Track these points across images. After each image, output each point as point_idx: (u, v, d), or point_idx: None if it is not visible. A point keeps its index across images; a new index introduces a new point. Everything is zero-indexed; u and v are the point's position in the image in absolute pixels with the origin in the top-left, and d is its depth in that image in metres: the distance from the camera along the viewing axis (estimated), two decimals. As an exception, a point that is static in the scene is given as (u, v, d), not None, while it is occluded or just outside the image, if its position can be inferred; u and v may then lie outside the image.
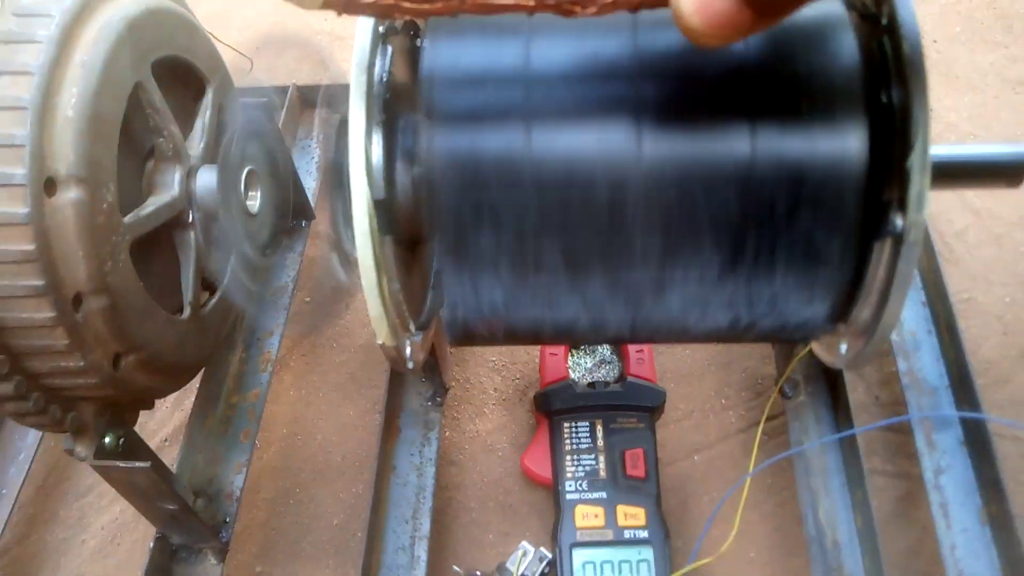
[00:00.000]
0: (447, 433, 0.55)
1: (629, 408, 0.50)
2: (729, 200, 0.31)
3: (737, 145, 0.31)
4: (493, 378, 0.57)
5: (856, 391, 0.55)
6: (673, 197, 0.31)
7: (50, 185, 0.32)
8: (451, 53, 0.33)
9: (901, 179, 0.30)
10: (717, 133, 0.31)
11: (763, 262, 0.33)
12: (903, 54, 0.30)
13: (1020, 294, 0.58)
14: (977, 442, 0.48)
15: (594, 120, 0.31)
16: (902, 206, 0.30)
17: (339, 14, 0.26)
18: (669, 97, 0.31)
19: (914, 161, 0.29)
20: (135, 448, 0.41)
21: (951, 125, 0.68)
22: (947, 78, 0.71)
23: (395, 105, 0.34)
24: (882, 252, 0.32)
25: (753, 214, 0.31)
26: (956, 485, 0.47)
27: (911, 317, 0.54)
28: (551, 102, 0.31)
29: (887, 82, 0.31)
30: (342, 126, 0.34)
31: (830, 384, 0.50)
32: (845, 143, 0.31)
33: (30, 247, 0.31)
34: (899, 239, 0.30)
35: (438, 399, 0.52)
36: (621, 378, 0.51)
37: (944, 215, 0.62)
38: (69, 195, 0.32)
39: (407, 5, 0.25)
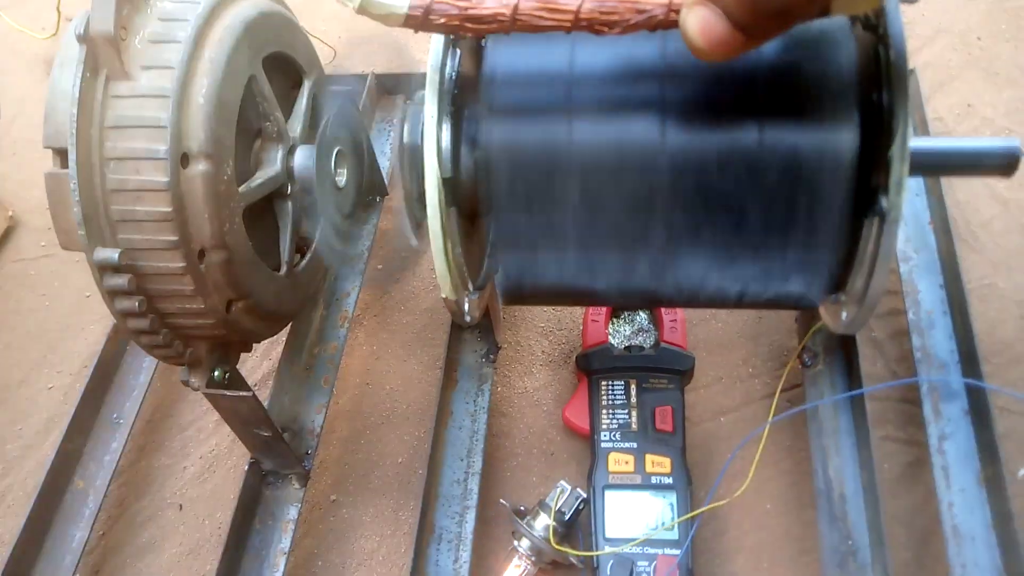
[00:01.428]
0: (499, 388, 0.61)
1: (661, 370, 0.56)
2: (739, 183, 0.37)
3: (746, 136, 0.36)
4: (541, 341, 0.64)
5: (876, 365, 0.60)
6: (691, 179, 0.37)
7: (185, 159, 0.39)
8: (509, 55, 0.40)
9: (886, 167, 0.35)
10: (730, 127, 0.36)
11: (768, 236, 0.38)
12: (891, 61, 0.35)
13: (1040, 282, 0.62)
14: (979, 412, 0.52)
15: (625, 114, 0.37)
16: (887, 190, 0.35)
17: (416, 31, 0.34)
18: (689, 96, 0.36)
19: (895, 152, 0.34)
20: (237, 383, 0.49)
21: (987, 120, 0.71)
22: (988, 74, 0.74)
23: (462, 98, 0.40)
24: (871, 229, 0.37)
25: (759, 195, 0.37)
26: (958, 450, 0.52)
27: (929, 298, 0.58)
28: (590, 99, 0.37)
29: (879, 84, 0.36)
30: (414, 112, 0.41)
31: (846, 355, 0.55)
32: (839, 136, 0.36)
33: (168, 209, 0.39)
34: (884, 218, 0.36)
35: (491, 356, 0.59)
36: (656, 344, 0.57)
37: (971, 204, 0.66)
38: (199, 168, 0.40)
39: (470, 26, 0.33)
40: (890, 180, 0.35)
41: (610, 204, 0.39)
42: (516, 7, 0.32)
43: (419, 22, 0.33)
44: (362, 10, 0.33)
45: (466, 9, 0.33)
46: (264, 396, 0.55)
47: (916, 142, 0.38)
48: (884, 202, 0.36)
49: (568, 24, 0.32)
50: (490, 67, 0.40)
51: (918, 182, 0.62)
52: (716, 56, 0.30)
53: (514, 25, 0.33)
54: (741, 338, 0.62)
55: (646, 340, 0.57)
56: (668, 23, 0.32)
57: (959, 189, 0.66)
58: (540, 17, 0.32)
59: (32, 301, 0.71)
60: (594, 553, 0.50)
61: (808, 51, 0.37)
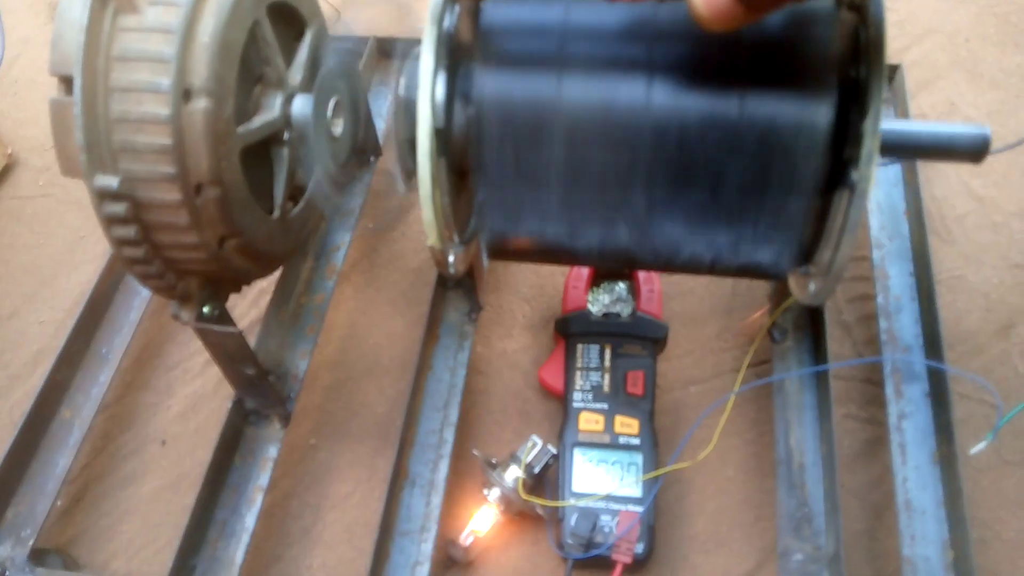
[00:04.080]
0: (478, 348, 0.63)
1: (636, 337, 0.58)
2: (718, 149, 0.39)
3: (728, 104, 0.38)
4: (522, 306, 0.65)
5: (843, 346, 0.62)
6: (672, 143, 0.39)
7: (187, 94, 0.40)
8: (504, 14, 0.41)
9: (858, 141, 0.37)
10: (713, 93, 0.38)
11: (743, 203, 0.40)
12: (869, 39, 0.37)
13: (1008, 277, 0.64)
14: (939, 395, 0.54)
15: (614, 74, 0.39)
16: (858, 163, 0.37)
17: None
18: (676, 60, 0.38)
19: (867, 126, 0.36)
20: (225, 321, 0.50)
21: (969, 119, 0.73)
22: (972, 75, 0.75)
23: (458, 55, 0.42)
24: (840, 201, 0.39)
25: (736, 162, 0.39)
26: (915, 429, 0.54)
27: (898, 284, 0.60)
28: (581, 56, 0.39)
29: (857, 62, 0.38)
30: (411, 65, 0.42)
31: (814, 333, 0.57)
32: (816, 109, 0.38)
33: (168, 141, 0.40)
34: (853, 189, 0.37)
35: (473, 316, 0.61)
36: (632, 313, 0.59)
37: (947, 199, 0.68)
38: (200, 104, 0.41)
39: None
40: (861, 153, 0.37)
41: (594, 164, 0.40)
42: None
43: None
44: None
45: None
46: (251, 342, 0.56)
47: (890, 123, 0.40)
48: (855, 175, 0.37)
49: None
50: (487, 22, 0.41)
51: (896, 173, 0.64)
52: (718, 26, 0.32)
53: None
54: (715, 313, 0.64)
55: (623, 309, 0.59)
56: None
57: (936, 184, 0.68)
58: None
59: (27, 238, 0.72)
60: (560, 504, 0.52)
61: (793, 27, 0.38)
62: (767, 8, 0.32)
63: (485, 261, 0.49)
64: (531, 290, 0.67)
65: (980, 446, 0.48)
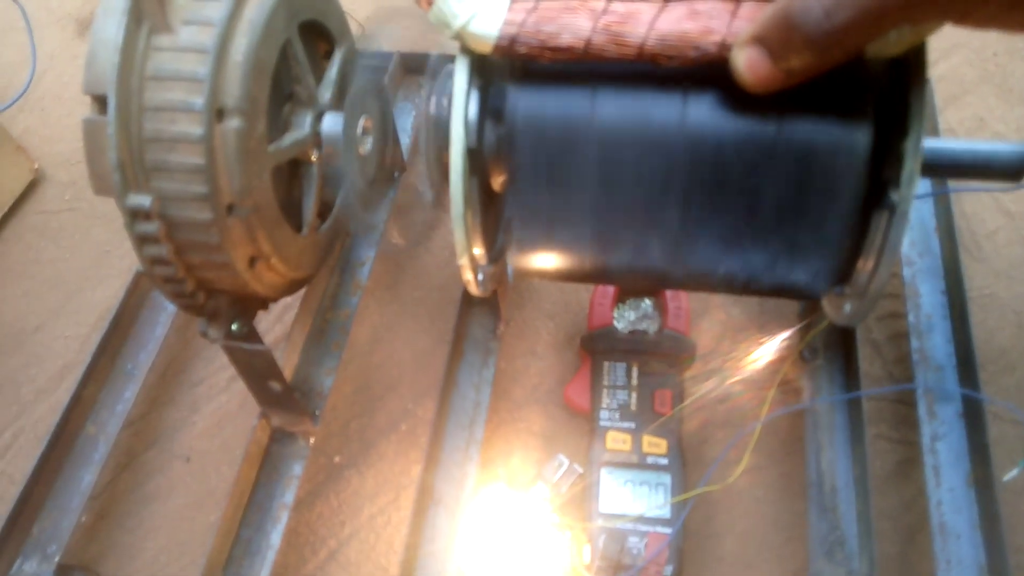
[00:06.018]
0: (503, 365, 0.62)
1: (663, 355, 0.57)
2: (755, 168, 0.38)
3: (765, 122, 0.37)
4: (547, 323, 0.65)
5: (874, 365, 0.61)
6: (708, 162, 0.38)
7: (220, 114, 0.40)
8: None
9: (898, 162, 0.36)
10: (749, 112, 0.37)
11: (780, 223, 0.39)
12: (910, 58, 0.36)
13: (1041, 294, 0.63)
14: (973, 416, 0.53)
15: (648, 90, 0.38)
16: (898, 183, 0.36)
17: (502, 57, 0.38)
18: (711, 77, 0.37)
19: (908, 146, 0.36)
20: (253, 338, 0.50)
21: (998, 134, 0.72)
22: (1001, 90, 0.75)
23: (489, 72, 0.42)
24: (879, 223, 0.38)
25: (773, 181, 0.38)
26: (949, 450, 0.53)
27: (930, 303, 0.59)
28: (615, 72, 0.39)
29: (897, 81, 0.37)
30: (443, 83, 0.42)
31: (845, 352, 0.56)
32: (855, 129, 0.37)
33: (201, 161, 0.40)
34: (893, 211, 0.37)
35: (498, 332, 0.60)
36: (659, 330, 0.58)
37: (978, 216, 0.67)
38: (233, 123, 0.41)
39: (548, 54, 0.37)
40: (902, 174, 0.36)
41: (627, 182, 0.40)
42: (588, 41, 0.36)
43: (505, 50, 0.37)
44: (458, 36, 0.38)
45: (545, 42, 0.37)
46: (276, 357, 0.56)
47: (929, 141, 0.39)
48: (894, 196, 0.37)
49: (632, 56, 0.36)
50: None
51: (926, 189, 0.63)
52: (761, 90, 0.33)
53: (586, 55, 0.36)
54: (743, 329, 0.63)
55: (650, 326, 0.59)
56: (720, 59, 0.35)
57: (966, 201, 0.67)
58: (609, 50, 0.36)
59: (52, 252, 0.73)
60: (588, 525, 0.51)
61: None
62: (808, 76, 0.32)
63: (511, 278, 0.48)
64: (555, 306, 0.66)
65: (1013, 473, 0.47)
